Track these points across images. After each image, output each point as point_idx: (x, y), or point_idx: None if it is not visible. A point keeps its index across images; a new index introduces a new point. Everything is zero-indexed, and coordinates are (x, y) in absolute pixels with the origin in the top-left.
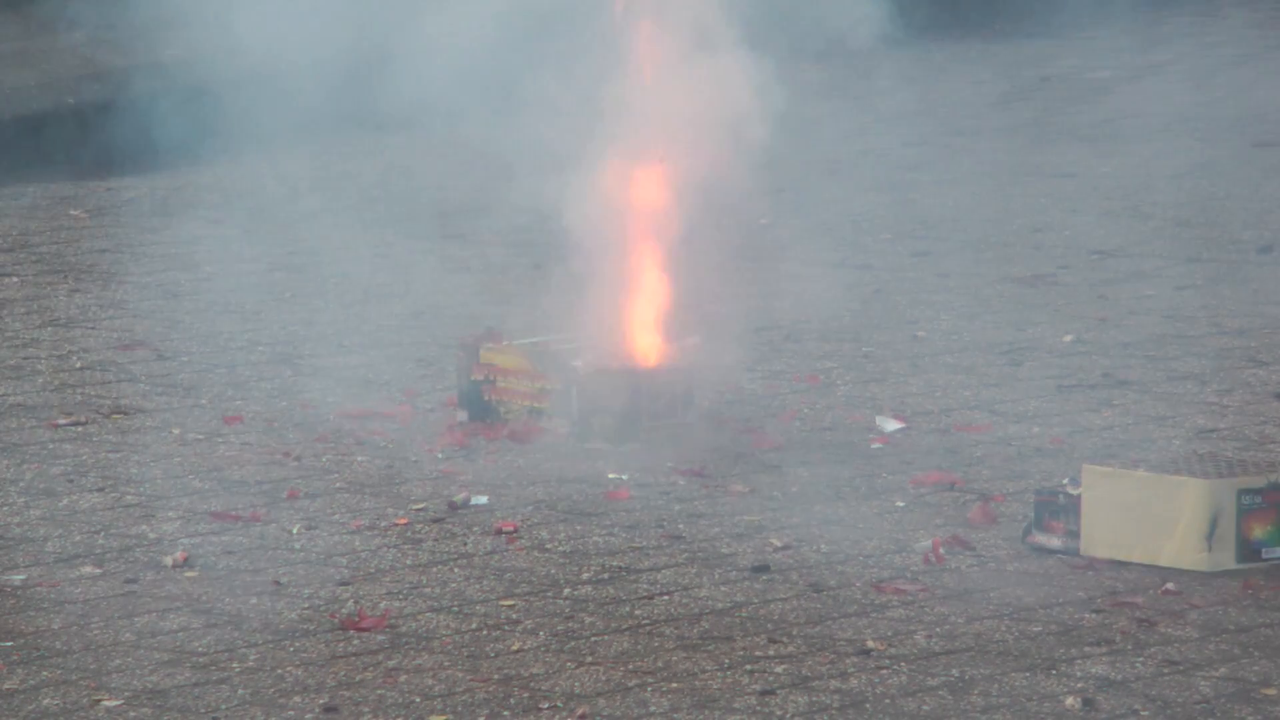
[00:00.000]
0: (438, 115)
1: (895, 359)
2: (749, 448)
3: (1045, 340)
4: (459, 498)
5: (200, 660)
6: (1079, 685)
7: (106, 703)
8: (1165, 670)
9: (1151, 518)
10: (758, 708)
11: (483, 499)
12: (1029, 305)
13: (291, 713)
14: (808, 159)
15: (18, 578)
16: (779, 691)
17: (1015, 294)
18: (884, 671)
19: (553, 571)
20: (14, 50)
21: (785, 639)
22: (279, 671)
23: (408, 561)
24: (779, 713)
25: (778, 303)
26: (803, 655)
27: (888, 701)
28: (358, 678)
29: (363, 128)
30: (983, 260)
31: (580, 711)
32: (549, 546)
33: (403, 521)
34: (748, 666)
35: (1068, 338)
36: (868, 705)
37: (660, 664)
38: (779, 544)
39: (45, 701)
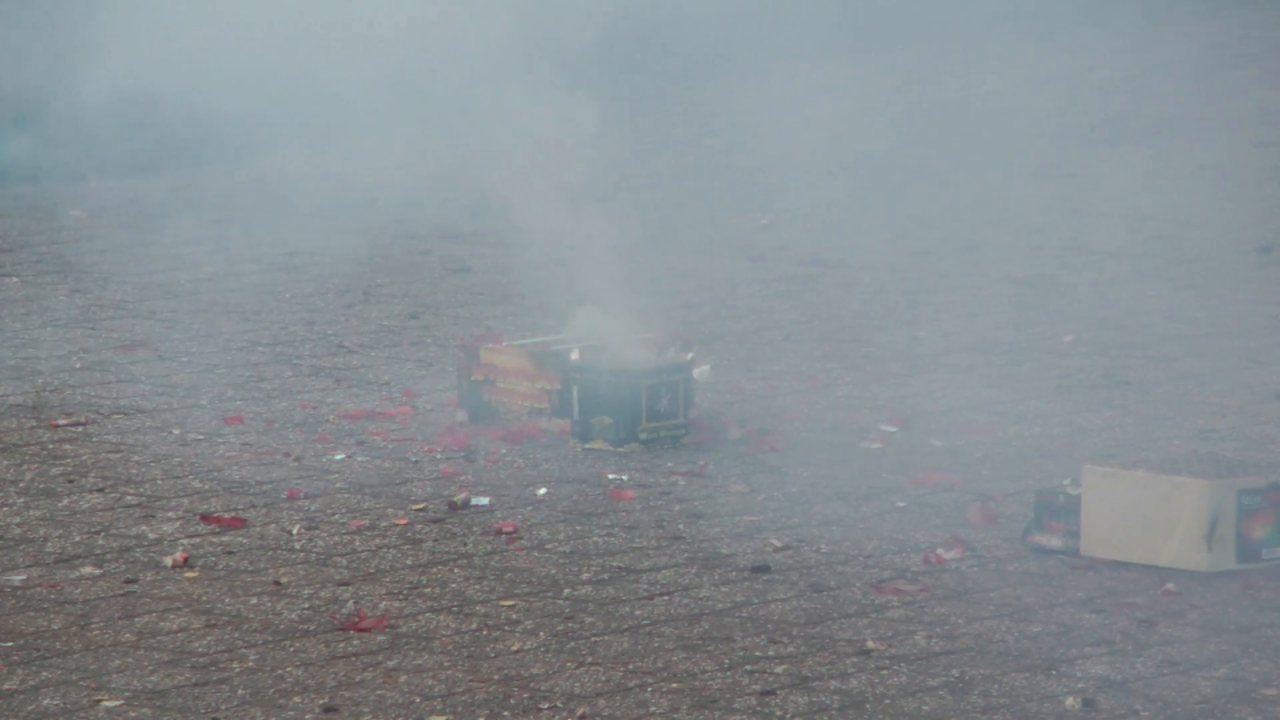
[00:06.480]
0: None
1: (895, 359)
2: (749, 448)
3: (1045, 340)
4: (459, 498)
5: (200, 660)
6: (1079, 685)
7: (106, 703)
8: (1165, 670)
9: (1151, 518)
10: (758, 708)
11: (483, 499)
12: (1029, 305)
13: (291, 713)
14: (807, 159)
15: (18, 578)
16: (779, 691)
17: (1015, 294)
18: (884, 671)
19: (553, 571)
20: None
21: (785, 639)
22: (279, 671)
23: (408, 561)
24: (779, 713)
25: (778, 303)
26: (803, 655)
27: (888, 701)
28: (358, 678)
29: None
30: (983, 260)
31: (580, 711)
32: (549, 546)
33: (403, 521)
34: (748, 666)
35: (1068, 338)
36: (868, 705)
37: (660, 664)
38: (779, 544)
39: (45, 701)
